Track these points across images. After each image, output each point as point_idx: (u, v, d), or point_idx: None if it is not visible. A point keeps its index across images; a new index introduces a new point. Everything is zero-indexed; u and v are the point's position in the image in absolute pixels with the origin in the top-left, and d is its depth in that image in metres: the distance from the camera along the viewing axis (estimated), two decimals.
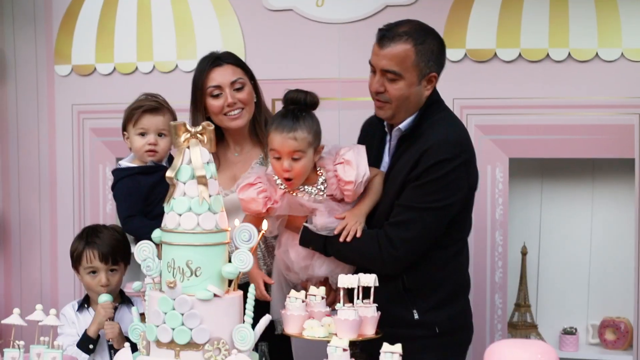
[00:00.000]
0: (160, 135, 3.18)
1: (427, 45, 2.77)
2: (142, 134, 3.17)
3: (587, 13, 3.61)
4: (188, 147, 2.43)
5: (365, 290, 2.56)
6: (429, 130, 2.79)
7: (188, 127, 2.43)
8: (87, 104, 4.10)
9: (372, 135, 3.01)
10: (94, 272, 3.16)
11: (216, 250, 2.42)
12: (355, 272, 2.64)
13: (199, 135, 2.43)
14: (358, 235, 2.77)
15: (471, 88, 3.72)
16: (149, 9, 4.02)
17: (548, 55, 3.65)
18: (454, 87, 3.68)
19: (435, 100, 2.87)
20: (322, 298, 2.63)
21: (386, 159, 2.93)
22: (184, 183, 2.42)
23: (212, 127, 2.44)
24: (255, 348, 2.54)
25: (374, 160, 2.90)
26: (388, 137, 2.93)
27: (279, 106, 3.32)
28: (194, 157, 2.42)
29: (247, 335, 2.38)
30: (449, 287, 2.87)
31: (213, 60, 3.14)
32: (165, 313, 2.36)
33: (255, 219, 2.79)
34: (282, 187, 2.83)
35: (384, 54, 2.76)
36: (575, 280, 3.99)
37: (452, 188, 2.75)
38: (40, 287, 4.21)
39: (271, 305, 2.92)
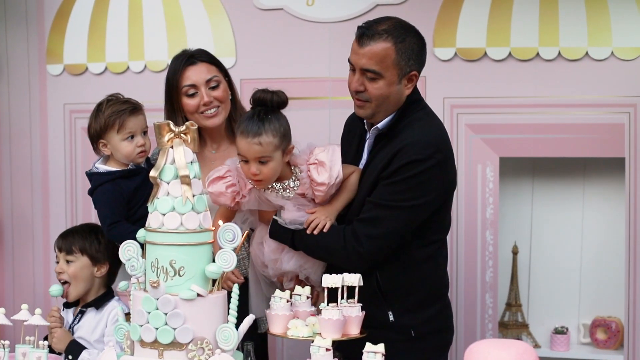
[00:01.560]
0: (144, 133, 3.14)
1: (407, 44, 2.72)
2: (131, 137, 3.11)
3: (577, 12, 3.60)
4: (172, 147, 2.44)
5: (350, 290, 2.55)
6: (406, 129, 2.76)
7: (172, 127, 2.43)
8: (79, 103, 4.09)
9: (353, 132, 2.99)
10: (57, 262, 3.19)
11: (200, 250, 2.42)
12: (340, 271, 2.60)
13: (182, 135, 2.43)
14: (325, 229, 2.75)
15: (461, 87, 3.70)
16: (141, 9, 4.02)
17: (538, 54, 3.64)
18: (444, 86, 3.69)
19: (415, 99, 2.82)
20: (307, 298, 2.62)
21: (365, 156, 2.89)
22: (168, 183, 2.42)
23: (195, 126, 2.44)
24: (241, 347, 2.55)
25: (353, 158, 2.89)
26: (367, 135, 2.89)
27: None
28: (177, 156, 2.42)
29: (231, 335, 2.38)
30: (425, 290, 2.83)
31: (187, 59, 3.11)
32: (149, 313, 2.36)
33: (228, 212, 2.81)
34: (251, 182, 2.80)
35: (364, 52, 2.71)
36: (566, 279, 3.99)
37: (423, 189, 2.71)
38: (33, 286, 4.21)
39: (249, 304, 2.92)
